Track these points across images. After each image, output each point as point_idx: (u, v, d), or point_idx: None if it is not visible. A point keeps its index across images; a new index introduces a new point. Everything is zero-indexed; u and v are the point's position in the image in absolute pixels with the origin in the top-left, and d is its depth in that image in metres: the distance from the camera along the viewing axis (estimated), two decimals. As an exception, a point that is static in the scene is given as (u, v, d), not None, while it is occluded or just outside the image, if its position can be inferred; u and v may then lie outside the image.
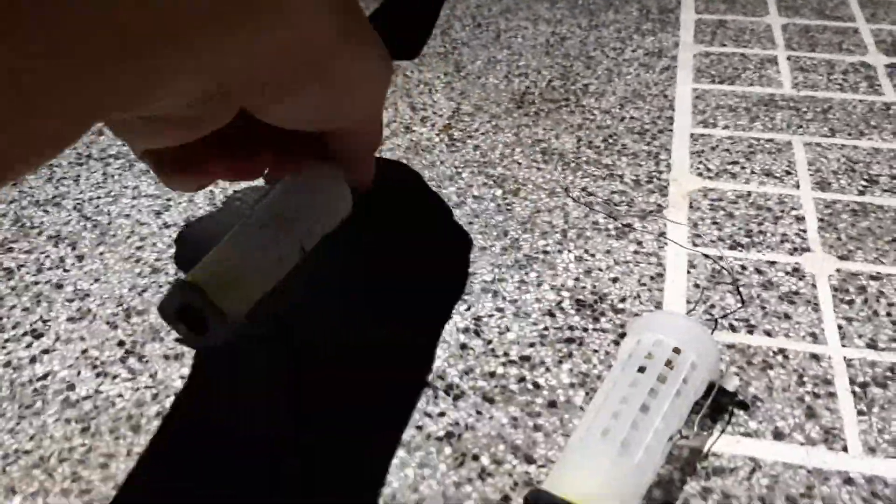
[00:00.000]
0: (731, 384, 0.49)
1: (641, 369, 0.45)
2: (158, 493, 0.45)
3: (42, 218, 0.67)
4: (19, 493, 0.45)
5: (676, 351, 0.46)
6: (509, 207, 0.67)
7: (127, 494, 0.45)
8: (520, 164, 0.72)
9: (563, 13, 0.99)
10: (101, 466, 0.47)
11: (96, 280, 0.60)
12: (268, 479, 0.45)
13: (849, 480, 0.45)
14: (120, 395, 0.51)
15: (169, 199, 0.69)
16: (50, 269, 0.61)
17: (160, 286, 0.59)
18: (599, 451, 0.41)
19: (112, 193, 0.70)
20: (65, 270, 0.61)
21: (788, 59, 0.88)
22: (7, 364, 0.53)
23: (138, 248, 0.63)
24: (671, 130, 0.76)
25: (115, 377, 0.52)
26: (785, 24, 0.95)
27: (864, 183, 0.68)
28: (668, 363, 0.45)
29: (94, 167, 0.73)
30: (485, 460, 0.46)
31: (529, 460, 0.47)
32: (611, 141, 0.75)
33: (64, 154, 0.75)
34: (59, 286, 0.60)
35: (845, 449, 0.47)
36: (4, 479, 0.46)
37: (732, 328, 0.55)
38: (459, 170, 0.72)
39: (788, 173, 0.70)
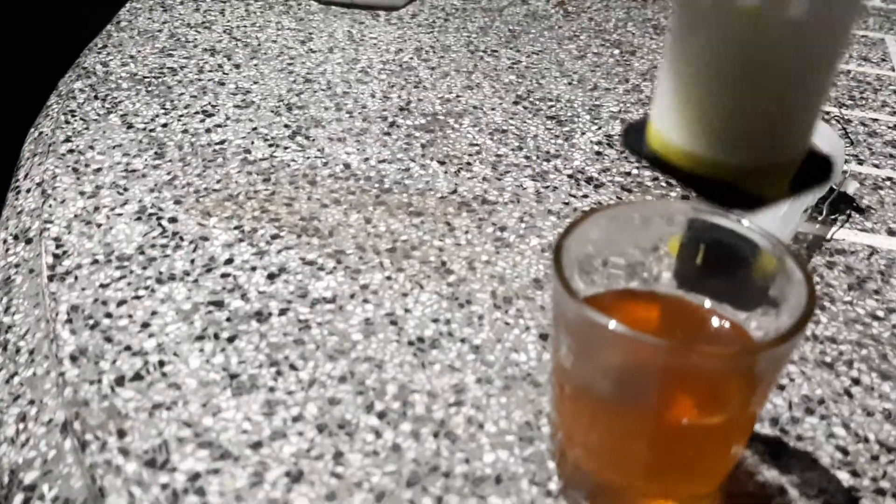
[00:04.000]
0: (851, 188, 0.54)
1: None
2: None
3: (195, 36, 0.72)
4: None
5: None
6: (628, 63, 0.72)
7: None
8: (633, 33, 0.77)
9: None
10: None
11: (255, 82, 0.66)
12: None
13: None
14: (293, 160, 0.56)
15: (311, 33, 0.74)
16: (210, 71, 0.67)
17: (314, 91, 0.65)
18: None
19: (257, 25, 0.75)
20: (224, 73, 0.67)
21: (877, -20, 0.93)
22: (185, 131, 0.59)
23: (289, 63, 0.68)
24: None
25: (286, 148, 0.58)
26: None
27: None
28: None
29: (236, 5, 0.79)
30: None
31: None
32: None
33: (207, -7, 0.81)
34: (222, 84, 0.65)
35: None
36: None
37: (845, 160, 0.60)
38: (577, 33, 0.77)
39: (884, 60, 0.75)
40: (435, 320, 0.44)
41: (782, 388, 0.41)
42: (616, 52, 0.74)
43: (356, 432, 0.37)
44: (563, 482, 0.35)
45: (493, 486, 0.35)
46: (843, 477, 0.37)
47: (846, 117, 0.65)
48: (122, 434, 0.37)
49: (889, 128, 0.64)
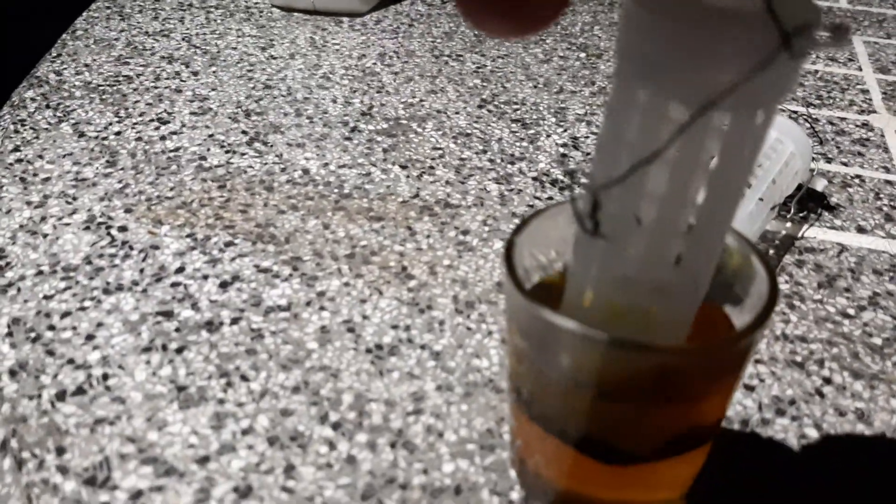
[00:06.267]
0: (820, 185, 0.53)
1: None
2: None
3: (153, 44, 0.71)
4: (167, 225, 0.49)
5: (778, 141, 0.50)
6: (594, 66, 0.71)
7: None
8: (600, 37, 0.76)
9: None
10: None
11: (213, 89, 0.64)
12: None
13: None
14: (250, 167, 0.55)
15: (272, 40, 0.72)
16: (167, 79, 0.65)
17: (274, 97, 0.63)
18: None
19: (217, 32, 0.73)
20: (181, 80, 0.65)
21: (843, -18, 0.93)
22: (139, 139, 0.57)
23: (249, 70, 0.67)
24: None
25: (242, 154, 0.56)
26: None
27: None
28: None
29: (196, 12, 0.77)
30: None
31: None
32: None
33: (166, 1, 0.79)
34: (178, 91, 0.63)
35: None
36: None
37: (813, 158, 0.59)
38: (543, 37, 0.76)
39: (851, 60, 0.75)
40: (394, 327, 0.42)
41: (752, 389, 0.40)
42: (582, 55, 0.73)
43: (309, 444, 0.36)
44: (525, 491, 0.33)
45: (452, 497, 0.34)
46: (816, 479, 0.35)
47: (814, 116, 0.64)
48: (61, 451, 0.35)
49: (857, 126, 0.64)
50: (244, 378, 0.39)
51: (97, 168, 0.53)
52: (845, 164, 0.59)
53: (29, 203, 0.50)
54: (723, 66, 0.19)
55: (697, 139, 0.21)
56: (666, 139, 0.21)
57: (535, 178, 0.55)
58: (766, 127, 0.21)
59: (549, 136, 0.60)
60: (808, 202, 0.53)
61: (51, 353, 0.40)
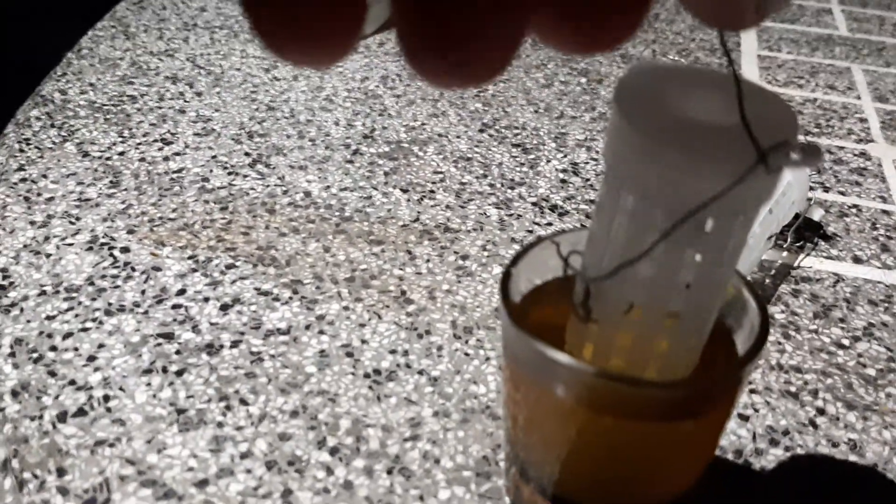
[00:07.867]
0: (817, 214, 0.54)
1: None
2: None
3: (158, 64, 0.71)
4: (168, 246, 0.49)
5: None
6: (594, 91, 0.72)
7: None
8: (601, 62, 0.77)
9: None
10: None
11: (216, 110, 0.65)
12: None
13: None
14: (252, 188, 0.55)
15: (276, 61, 0.73)
16: (171, 99, 0.66)
17: (277, 119, 0.64)
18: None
19: (221, 53, 0.74)
20: (185, 101, 0.66)
21: (842, 11, 0.94)
22: (142, 160, 0.58)
23: (252, 91, 0.68)
24: (740, 51, 0.82)
25: (245, 176, 0.57)
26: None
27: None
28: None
29: (200, 33, 0.78)
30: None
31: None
32: (684, 53, 0.80)
33: (171, 21, 0.80)
34: (182, 111, 0.64)
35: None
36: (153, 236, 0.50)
37: (810, 188, 0.59)
38: (545, 62, 0.77)
39: (850, 89, 0.76)
40: (392, 351, 0.43)
41: (746, 419, 0.40)
42: (583, 80, 0.74)
43: (307, 469, 0.36)
44: (519, 519, 0.34)
45: (446, 524, 0.34)
46: (808, 511, 0.36)
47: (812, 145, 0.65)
48: (61, 472, 0.35)
49: (854, 155, 0.64)
50: (243, 402, 0.39)
51: (100, 188, 0.54)
52: (842, 194, 0.59)
53: (32, 223, 0.50)
54: (704, 180, 0.20)
55: (681, 242, 0.22)
56: (650, 242, 0.22)
57: (534, 204, 0.56)
58: (747, 229, 0.22)
59: (549, 161, 0.61)
60: (805, 231, 0.53)
61: (52, 373, 0.40)
